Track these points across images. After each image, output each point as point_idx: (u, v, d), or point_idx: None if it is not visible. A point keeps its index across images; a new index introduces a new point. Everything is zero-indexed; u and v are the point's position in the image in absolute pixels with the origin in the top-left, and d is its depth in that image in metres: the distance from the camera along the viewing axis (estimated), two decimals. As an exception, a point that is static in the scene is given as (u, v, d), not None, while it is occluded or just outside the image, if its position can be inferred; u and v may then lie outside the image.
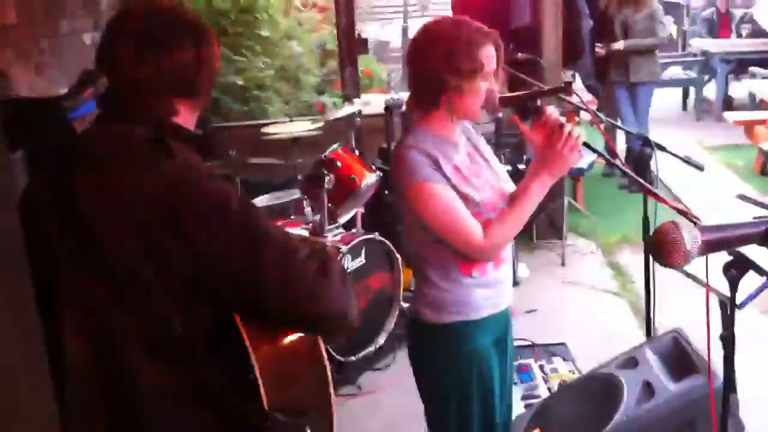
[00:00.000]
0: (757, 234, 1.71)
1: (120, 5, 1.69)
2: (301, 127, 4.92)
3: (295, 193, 4.72)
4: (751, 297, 2.16)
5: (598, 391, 2.89)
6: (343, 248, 3.93)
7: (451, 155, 2.22)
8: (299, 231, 4.19)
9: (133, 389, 1.52)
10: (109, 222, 1.49)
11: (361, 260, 4.09)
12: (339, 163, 4.21)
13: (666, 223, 1.69)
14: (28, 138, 1.49)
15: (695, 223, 1.80)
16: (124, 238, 1.47)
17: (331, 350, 3.72)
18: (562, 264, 5.46)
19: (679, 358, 2.83)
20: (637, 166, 5.38)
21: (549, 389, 3.64)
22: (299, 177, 4.36)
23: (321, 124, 4.96)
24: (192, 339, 1.52)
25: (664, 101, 9.35)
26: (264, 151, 5.03)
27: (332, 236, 4.12)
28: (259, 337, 1.54)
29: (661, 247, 1.69)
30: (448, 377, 2.29)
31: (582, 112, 4.86)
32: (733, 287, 1.86)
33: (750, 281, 1.96)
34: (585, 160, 5.96)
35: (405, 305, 4.13)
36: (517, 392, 3.57)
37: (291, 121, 5.12)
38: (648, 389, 2.73)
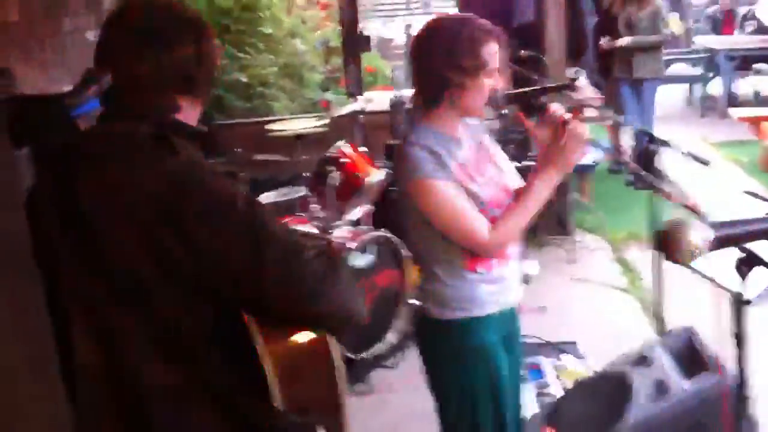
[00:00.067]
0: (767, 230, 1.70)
1: (122, 2, 1.68)
2: (306, 124, 4.92)
3: (302, 190, 4.71)
4: (763, 293, 2.15)
5: (609, 389, 2.87)
6: (351, 245, 3.92)
7: (455, 152, 2.22)
8: (307, 228, 4.17)
9: (140, 389, 1.51)
10: (111, 220, 1.48)
11: (368, 257, 4.08)
12: (345, 160, 4.20)
13: (673, 219, 1.68)
14: (32, 136, 1.48)
15: (702, 220, 1.79)
16: (127, 237, 1.46)
17: (341, 347, 3.71)
18: (571, 261, 5.44)
19: (691, 355, 2.82)
20: (643, 162, 5.37)
21: (560, 387, 3.63)
22: (305, 174, 4.35)
23: (326, 121, 4.95)
24: (197, 338, 1.51)
25: (669, 98, 9.34)
26: (269, 147, 5.03)
27: (339, 233, 4.11)
28: (270, 335, 1.53)
29: (668, 244, 1.68)
30: (455, 374, 2.29)
31: (587, 109, 4.85)
32: (744, 284, 1.85)
33: (760, 277, 1.95)
34: (591, 156, 5.94)
35: (414, 302, 4.11)
36: (528, 391, 3.56)
37: (296, 117, 5.11)
38: (660, 387, 2.71)
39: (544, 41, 5.68)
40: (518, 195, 2.26)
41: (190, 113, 1.64)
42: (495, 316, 2.29)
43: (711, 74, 9.92)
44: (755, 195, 3.00)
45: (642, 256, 5.33)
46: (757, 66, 9.71)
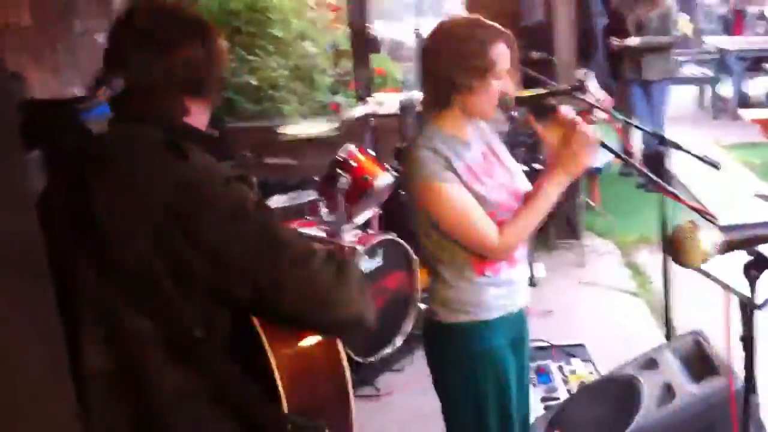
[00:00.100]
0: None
1: (132, 4, 1.68)
2: (317, 128, 4.92)
3: (311, 194, 4.72)
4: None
5: (617, 393, 2.87)
6: (360, 249, 3.92)
7: (463, 154, 2.22)
8: (315, 231, 4.18)
9: (153, 393, 1.52)
10: (124, 226, 1.48)
11: (378, 261, 4.08)
12: (354, 164, 4.20)
13: (684, 222, 1.67)
14: (43, 139, 1.49)
15: (713, 223, 1.78)
16: (139, 242, 1.47)
17: (348, 351, 3.72)
18: (580, 264, 5.43)
19: (699, 359, 2.81)
20: (654, 164, 5.35)
21: (568, 391, 3.62)
22: (315, 177, 4.35)
23: (336, 124, 4.95)
24: (211, 342, 1.51)
25: (679, 99, 9.30)
26: (279, 151, 5.03)
27: (349, 237, 4.11)
28: (278, 340, 1.54)
29: (679, 247, 1.67)
30: (462, 377, 2.29)
31: (597, 111, 4.84)
32: (753, 287, 1.84)
33: (770, 281, 1.94)
34: (601, 159, 5.92)
35: (422, 306, 4.12)
36: (536, 394, 3.55)
37: (306, 120, 5.11)
38: (668, 391, 2.70)
39: (553, 43, 5.67)
40: (527, 198, 2.26)
41: (199, 116, 1.64)
42: (502, 319, 2.29)
43: (722, 75, 9.87)
44: (766, 198, 2.98)
45: (652, 260, 5.31)
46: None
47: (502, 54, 2.17)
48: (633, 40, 6.76)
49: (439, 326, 2.31)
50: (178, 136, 1.55)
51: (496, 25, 2.20)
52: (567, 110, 2.17)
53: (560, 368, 3.87)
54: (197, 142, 1.58)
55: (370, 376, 4.04)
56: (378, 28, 9.94)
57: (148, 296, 1.49)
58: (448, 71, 2.15)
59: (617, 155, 2.36)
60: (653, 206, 3.51)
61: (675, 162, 3.31)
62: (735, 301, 2.02)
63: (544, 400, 3.55)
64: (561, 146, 2.15)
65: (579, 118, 2.15)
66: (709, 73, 9.94)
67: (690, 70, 10.09)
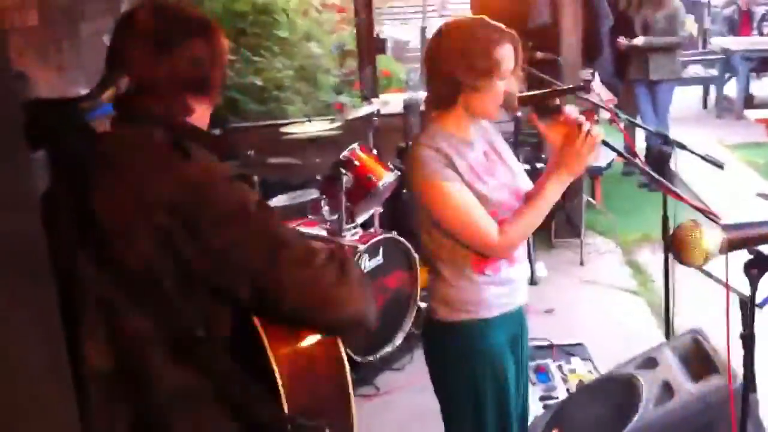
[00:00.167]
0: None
1: (135, 4, 1.68)
2: (320, 127, 4.93)
3: (313, 193, 4.73)
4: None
5: (616, 391, 2.87)
6: (361, 247, 3.93)
7: (466, 154, 2.23)
8: (317, 231, 4.19)
9: (154, 393, 1.52)
10: (125, 226, 1.49)
11: (378, 259, 4.09)
12: (357, 163, 4.21)
13: (686, 222, 1.68)
14: (48, 139, 1.50)
15: (715, 222, 1.79)
16: (141, 242, 1.47)
17: (348, 351, 3.73)
18: (581, 263, 5.43)
19: (699, 358, 2.81)
20: (657, 164, 5.35)
21: (567, 390, 3.63)
22: (318, 177, 4.37)
23: (339, 123, 4.97)
24: (212, 342, 1.52)
25: (684, 99, 9.29)
26: (283, 150, 5.05)
27: (350, 236, 4.12)
28: (279, 339, 1.54)
29: (681, 246, 1.68)
30: (461, 375, 2.30)
31: (601, 111, 4.84)
32: (754, 286, 1.85)
33: (771, 280, 1.95)
34: (604, 158, 5.93)
35: (422, 305, 4.13)
36: (535, 393, 3.56)
37: (309, 121, 5.12)
38: (667, 390, 2.71)
39: (559, 43, 5.67)
40: (529, 197, 2.27)
41: (202, 115, 1.65)
42: (502, 317, 2.30)
43: (727, 75, 9.86)
44: (768, 197, 2.98)
45: (653, 259, 5.31)
46: (774, 67, 9.66)
47: (506, 54, 2.18)
48: (641, 40, 6.74)
49: (438, 324, 2.32)
50: (180, 135, 1.55)
51: (501, 25, 2.21)
52: (571, 110, 2.18)
53: (560, 367, 3.87)
54: (200, 142, 1.58)
55: (370, 375, 4.05)
56: (383, 29, 9.96)
57: (149, 296, 1.50)
58: (453, 71, 2.16)
59: (620, 154, 2.37)
60: (655, 205, 3.52)
61: (679, 161, 3.32)
62: (735, 300, 2.03)
63: (543, 399, 3.55)
64: (564, 146, 2.16)
65: (583, 118, 2.16)
66: (714, 73, 9.92)
67: (695, 70, 10.08)
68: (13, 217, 0.97)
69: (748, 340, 1.95)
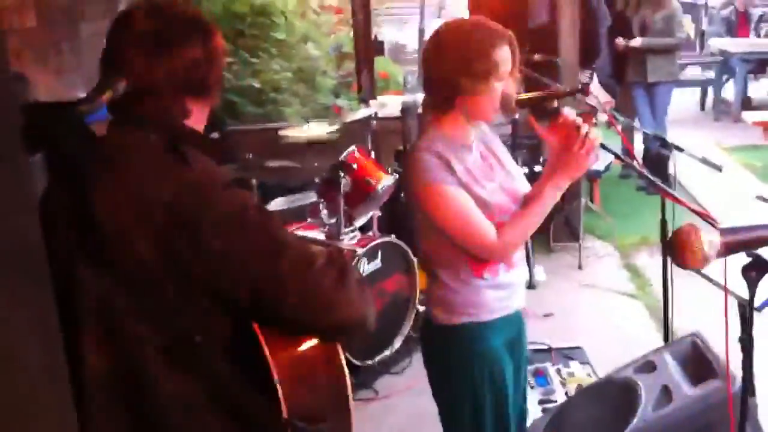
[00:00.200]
0: (776, 236, 1.70)
1: (130, 6, 1.66)
2: (318, 130, 4.93)
3: (312, 196, 4.73)
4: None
5: (615, 395, 2.87)
6: (360, 251, 3.93)
7: (464, 157, 2.23)
8: (315, 234, 4.19)
9: (153, 397, 1.52)
10: (124, 230, 1.48)
11: (377, 263, 4.09)
12: (355, 166, 4.21)
13: (684, 225, 1.68)
14: (46, 142, 1.49)
15: (714, 225, 1.79)
16: (140, 246, 1.47)
17: (347, 354, 3.73)
18: (579, 267, 5.44)
19: (698, 362, 2.81)
20: (655, 167, 5.36)
21: (566, 393, 3.63)
22: (316, 180, 4.37)
23: (337, 126, 4.96)
24: (211, 348, 1.52)
25: (682, 102, 9.29)
26: (281, 153, 5.05)
27: (348, 239, 4.12)
28: (278, 344, 1.54)
29: (679, 250, 1.68)
30: (460, 378, 2.30)
31: (599, 113, 4.84)
32: (752, 289, 1.85)
33: (770, 284, 1.95)
34: (602, 161, 5.93)
35: (421, 308, 4.13)
36: (533, 396, 3.56)
37: (307, 123, 5.12)
38: (666, 393, 2.71)
39: (557, 45, 5.68)
40: (527, 200, 2.27)
41: (199, 117, 1.64)
42: (500, 320, 2.31)
43: (725, 77, 9.87)
44: (767, 200, 2.99)
45: (651, 262, 5.32)
46: (772, 69, 9.67)
47: (504, 56, 2.17)
48: (638, 41, 6.74)
49: (437, 328, 2.32)
50: (178, 139, 1.54)
51: (500, 27, 2.21)
52: (569, 112, 2.18)
53: (558, 371, 3.87)
54: (198, 146, 1.57)
55: (369, 378, 4.05)
56: (381, 30, 9.96)
57: (148, 300, 1.49)
58: (452, 73, 2.15)
59: (618, 157, 2.37)
60: (653, 208, 3.52)
61: (677, 164, 3.32)
62: (734, 304, 2.03)
63: (542, 402, 3.56)
64: (562, 148, 2.16)
65: (581, 121, 2.16)
66: (711, 75, 9.93)
67: (693, 72, 10.09)
68: (11, 219, 0.97)
69: (746, 343, 1.95)
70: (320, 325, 1.55)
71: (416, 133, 4.86)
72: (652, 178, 2.25)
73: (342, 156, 4.26)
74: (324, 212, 4.28)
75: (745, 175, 7.29)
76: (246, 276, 1.48)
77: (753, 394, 2.50)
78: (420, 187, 2.19)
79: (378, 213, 4.53)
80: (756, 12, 11.49)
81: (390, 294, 4.17)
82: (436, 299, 2.32)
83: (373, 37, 6.71)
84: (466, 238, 2.19)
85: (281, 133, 4.99)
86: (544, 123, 2.23)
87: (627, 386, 2.83)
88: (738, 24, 11.11)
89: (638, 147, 7.03)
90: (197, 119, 1.63)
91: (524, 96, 2.27)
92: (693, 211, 1.99)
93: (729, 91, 9.86)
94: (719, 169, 3.16)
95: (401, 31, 13.34)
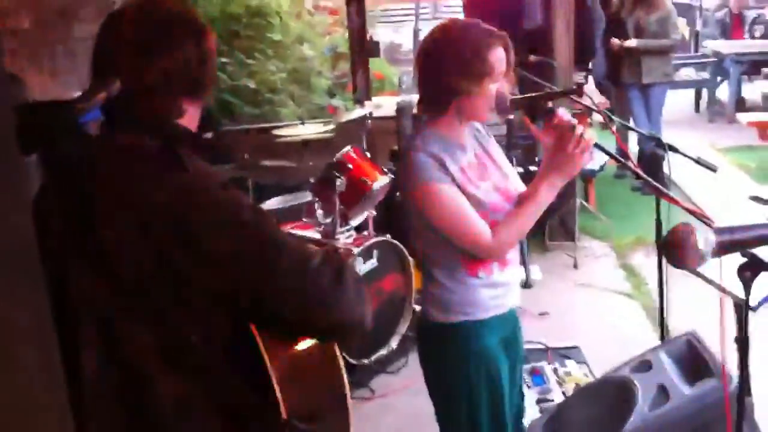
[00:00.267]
0: (771, 235, 1.70)
1: (121, 7, 1.64)
2: (313, 130, 4.93)
3: (307, 196, 4.73)
4: (766, 299, 2.15)
5: (612, 394, 2.87)
6: (355, 250, 3.93)
7: (459, 157, 2.23)
8: (311, 234, 4.19)
9: (150, 398, 1.51)
10: (120, 232, 1.47)
11: (373, 262, 4.09)
12: (351, 166, 4.21)
13: (679, 225, 1.68)
14: (41, 142, 1.48)
15: (708, 225, 1.79)
16: (137, 250, 1.46)
17: (343, 353, 3.72)
18: (575, 266, 5.44)
19: (694, 361, 2.81)
20: (650, 167, 5.36)
21: (563, 393, 3.63)
22: (311, 179, 4.37)
23: (333, 126, 4.97)
24: (209, 349, 1.51)
25: (676, 103, 9.31)
26: (276, 153, 5.05)
27: (344, 238, 4.12)
28: (275, 344, 1.54)
29: (674, 250, 1.68)
30: (455, 377, 2.30)
31: (594, 114, 4.85)
32: (747, 289, 1.85)
33: (764, 283, 1.95)
34: (597, 161, 5.94)
35: (417, 307, 4.13)
36: (530, 396, 3.56)
37: (303, 124, 5.12)
38: (662, 393, 2.71)
39: (552, 46, 5.69)
40: (522, 199, 2.27)
41: (193, 115, 1.62)
42: (494, 318, 2.31)
43: (719, 79, 9.90)
44: (761, 200, 3.00)
45: (647, 262, 5.32)
46: (766, 70, 9.68)
47: (499, 58, 2.18)
48: (633, 42, 6.74)
49: (431, 326, 2.33)
50: (173, 141, 1.53)
51: (494, 29, 2.21)
52: (563, 113, 2.18)
53: (555, 370, 3.87)
54: (193, 148, 1.56)
55: (365, 378, 4.05)
56: (376, 31, 9.97)
57: (145, 302, 1.49)
58: (446, 74, 2.16)
59: (613, 157, 2.38)
60: (649, 208, 3.53)
61: (671, 165, 3.32)
62: (729, 303, 2.04)
63: (539, 402, 3.56)
64: (557, 148, 2.16)
65: (575, 121, 2.16)
66: (706, 76, 9.96)
67: (687, 73, 10.11)
68: (6, 219, 0.97)
69: (742, 342, 1.95)
70: (318, 324, 1.54)
71: (411, 133, 4.86)
72: (646, 178, 2.25)
73: (337, 156, 4.26)
74: (319, 212, 4.28)
75: (740, 176, 7.31)
76: (243, 277, 1.47)
77: (749, 393, 2.51)
78: (414, 186, 2.19)
79: (373, 213, 4.53)
80: (750, 14, 11.52)
81: (386, 293, 4.18)
82: (430, 298, 2.33)
83: (368, 37, 6.71)
84: (460, 237, 2.20)
85: (276, 132, 4.99)
86: (539, 123, 2.24)
87: (624, 386, 2.83)
88: (732, 26, 11.14)
89: (633, 147, 7.04)
90: (191, 119, 1.62)
91: (519, 97, 2.28)
92: (688, 210, 1.99)
93: (723, 92, 9.88)
94: (714, 169, 3.16)
95: (396, 32, 13.35)
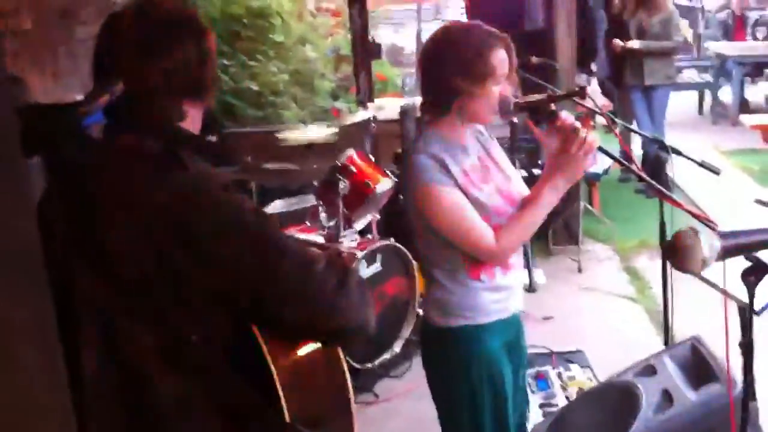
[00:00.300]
0: (776, 239, 1.69)
1: (120, 9, 1.64)
2: (317, 132, 4.93)
3: (311, 199, 4.72)
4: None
5: (615, 399, 2.86)
6: (359, 254, 3.92)
7: (461, 159, 2.23)
8: (314, 237, 4.18)
9: (151, 399, 1.51)
10: (122, 236, 1.47)
11: (376, 266, 4.08)
12: (354, 169, 4.20)
13: (684, 228, 1.67)
14: (44, 145, 1.48)
15: (712, 228, 1.78)
16: (138, 252, 1.46)
17: (347, 357, 3.71)
18: (579, 270, 5.43)
19: (698, 365, 2.80)
20: (653, 170, 5.36)
21: (567, 397, 3.62)
22: (314, 182, 4.36)
23: (336, 129, 4.96)
24: (210, 351, 1.51)
25: (679, 105, 9.30)
26: (279, 156, 5.05)
27: (348, 242, 4.11)
28: (279, 348, 1.54)
29: (678, 253, 1.67)
30: (458, 380, 2.30)
31: (597, 117, 4.84)
32: (751, 293, 1.84)
33: (770, 287, 1.94)
34: (601, 164, 5.93)
35: (421, 311, 4.12)
36: (534, 400, 3.55)
37: (306, 126, 5.12)
38: (666, 397, 2.70)
39: (554, 48, 5.68)
40: (525, 202, 2.27)
41: (195, 118, 1.62)
42: (497, 322, 2.30)
43: (722, 81, 9.88)
44: (765, 203, 2.99)
45: (651, 265, 5.31)
46: (768, 72, 9.68)
47: (501, 59, 2.18)
48: (636, 43, 6.73)
49: (434, 330, 2.33)
50: (175, 144, 1.52)
51: (496, 30, 2.21)
52: (566, 116, 2.18)
53: (559, 374, 3.86)
54: (195, 149, 1.56)
55: (369, 382, 4.04)
56: (378, 33, 9.97)
57: (146, 303, 1.49)
58: (448, 76, 2.16)
59: (616, 160, 2.37)
60: (652, 212, 3.52)
61: (675, 167, 3.31)
62: (734, 307, 2.03)
63: (542, 406, 3.55)
64: (560, 151, 2.15)
65: (578, 124, 2.15)
66: (708, 78, 9.95)
67: (690, 75, 10.11)
68: (9, 221, 0.97)
69: (746, 347, 1.94)
70: (321, 329, 1.54)
71: (414, 135, 4.85)
72: (650, 181, 2.24)
73: (341, 159, 4.25)
74: (323, 215, 4.27)
75: (744, 179, 7.30)
76: (245, 280, 1.47)
77: (753, 397, 2.50)
78: (417, 188, 2.19)
79: (377, 216, 4.52)
80: (752, 15, 11.51)
81: (390, 297, 4.17)
82: (433, 301, 2.33)
83: (370, 39, 6.71)
84: (462, 240, 2.19)
85: (280, 135, 4.98)
86: (542, 126, 2.23)
87: (627, 390, 2.82)
88: (734, 27, 11.13)
89: (637, 150, 7.04)
90: (193, 121, 1.62)
91: (522, 99, 2.27)
92: (691, 214, 1.98)
93: (726, 94, 9.87)
94: (717, 172, 3.15)
95: (399, 34, 13.37)
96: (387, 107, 5.41)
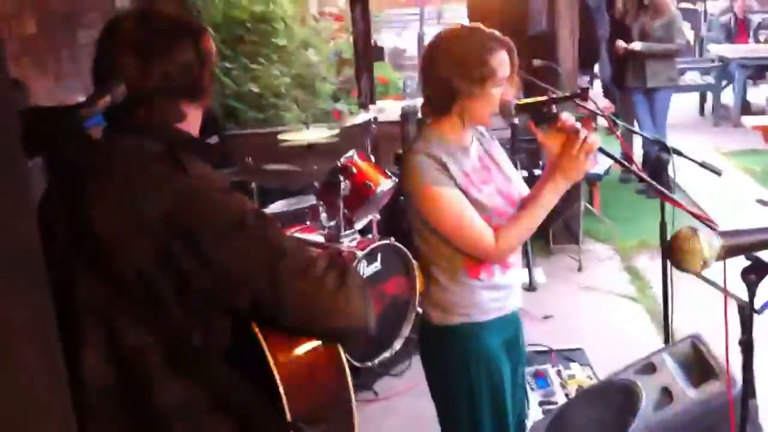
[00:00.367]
0: (775, 239, 1.70)
1: (119, 13, 1.66)
2: (318, 134, 4.94)
3: (311, 200, 4.73)
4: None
5: (615, 397, 2.87)
6: (359, 254, 3.93)
7: (461, 160, 2.24)
8: (315, 237, 4.19)
9: (154, 403, 1.51)
10: (123, 238, 1.47)
11: (377, 266, 4.09)
12: (355, 170, 4.22)
13: (684, 228, 1.68)
14: (45, 146, 1.49)
15: (713, 229, 1.79)
16: (139, 254, 1.46)
17: (347, 356, 3.71)
18: (579, 269, 5.43)
19: (698, 363, 2.80)
20: (654, 171, 5.37)
21: (566, 395, 3.63)
22: (315, 183, 4.37)
23: (337, 131, 4.97)
24: (211, 352, 1.51)
25: (681, 107, 9.31)
26: (280, 157, 5.06)
27: (348, 242, 4.13)
28: (279, 347, 1.54)
29: (678, 253, 1.67)
30: (457, 378, 2.31)
31: (599, 118, 4.85)
32: (752, 292, 1.85)
33: (769, 286, 1.95)
34: (601, 165, 5.94)
35: (421, 310, 4.12)
36: (534, 398, 3.56)
37: (307, 128, 5.13)
38: (666, 395, 2.70)
39: (556, 51, 5.69)
40: (525, 202, 2.28)
41: (194, 118, 1.63)
42: (496, 320, 2.32)
43: (724, 83, 9.88)
44: (766, 204, 2.98)
45: (651, 265, 5.32)
46: (770, 75, 9.69)
47: (502, 62, 2.19)
48: (639, 45, 6.73)
49: (433, 328, 2.34)
50: (176, 146, 1.53)
51: (497, 33, 2.22)
52: (567, 117, 2.19)
53: (558, 372, 3.86)
54: (196, 152, 1.56)
55: (369, 380, 4.05)
56: (380, 36, 9.99)
57: (147, 307, 1.49)
58: (448, 77, 2.17)
59: (617, 161, 2.37)
60: (653, 212, 3.53)
61: (676, 168, 3.32)
62: (734, 306, 2.03)
63: (542, 404, 3.55)
64: (561, 153, 2.16)
65: (579, 125, 2.16)
66: (711, 80, 9.94)
67: (692, 77, 10.11)
68: (9, 222, 0.97)
69: (746, 345, 1.94)
70: (322, 329, 1.54)
71: (414, 136, 4.87)
72: (651, 181, 2.25)
73: (341, 160, 4.26)
74: (323, 215, 4.29)
75: (745, 180, 7.29)
76: (246, 282, 1.47)
77: (753, 395, 2.50)
78: (417, 188, 2.20)
79: (377, 216, 4.53)
80: (755, 18, 11.51)
81: (390, 296, 4.18)
82: (432, 299, 2.33)
83: (372, 42, 6.72)
84: (462, 239, 2.20)
85: (281, 137, 4.99)
86: (543, 128, 2.24)
87: (627, 388, 2.82)
88: (737, 30, 11.13)
89: (638, 151, 7.04)
90: (192, 122, 1.63)
91: (523, 101, 2.28)
92: (692, 214, 1.99)
93: (728, 96, 9.87)
94: (719, 173, 3.16)
95: (401, 37, 13.39)
96: (388, 109, 5.42)
